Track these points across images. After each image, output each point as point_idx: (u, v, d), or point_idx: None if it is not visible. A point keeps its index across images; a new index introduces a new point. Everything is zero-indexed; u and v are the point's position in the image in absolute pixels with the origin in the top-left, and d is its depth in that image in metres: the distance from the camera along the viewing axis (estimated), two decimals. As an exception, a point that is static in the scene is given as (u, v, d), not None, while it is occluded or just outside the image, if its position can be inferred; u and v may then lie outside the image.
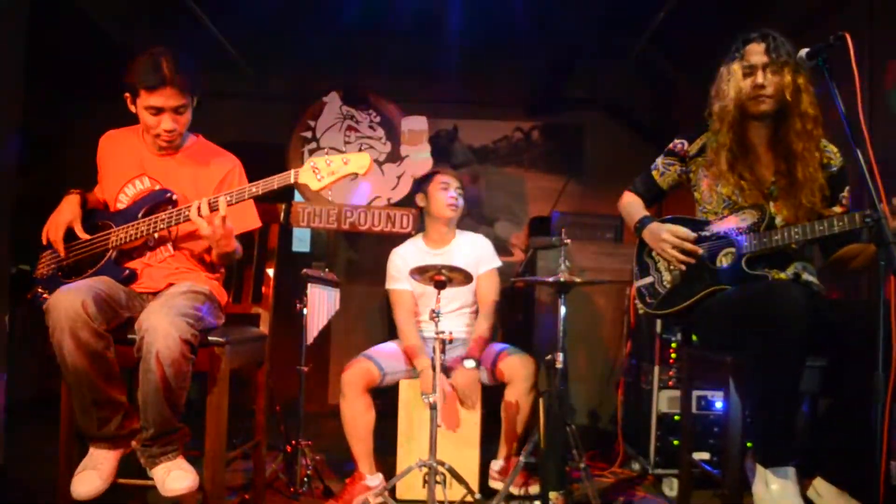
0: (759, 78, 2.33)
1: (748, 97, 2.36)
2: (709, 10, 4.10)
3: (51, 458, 2.40)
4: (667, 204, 2.92)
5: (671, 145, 2.65)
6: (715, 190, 2.47)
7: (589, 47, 4.82)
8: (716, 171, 2.45)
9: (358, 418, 3.02)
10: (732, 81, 2.38)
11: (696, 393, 3.26)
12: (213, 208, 2.32)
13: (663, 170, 2.66)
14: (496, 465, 3.19)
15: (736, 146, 2.41)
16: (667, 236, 2.48)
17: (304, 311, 3.29)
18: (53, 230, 2.45)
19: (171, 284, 2.46)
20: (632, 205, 2.74)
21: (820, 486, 2.17)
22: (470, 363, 3.10)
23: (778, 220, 2.37)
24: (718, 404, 3.30)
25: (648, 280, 2.62)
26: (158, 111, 2.41)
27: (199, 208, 2.32)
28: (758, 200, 2.39)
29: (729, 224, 2.41)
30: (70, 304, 2.12)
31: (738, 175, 2.40)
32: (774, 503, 2.06)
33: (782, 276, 2.36)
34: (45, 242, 2.48)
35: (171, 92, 2.37)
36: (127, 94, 2.43)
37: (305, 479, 3.15)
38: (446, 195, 3.33)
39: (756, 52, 2.35)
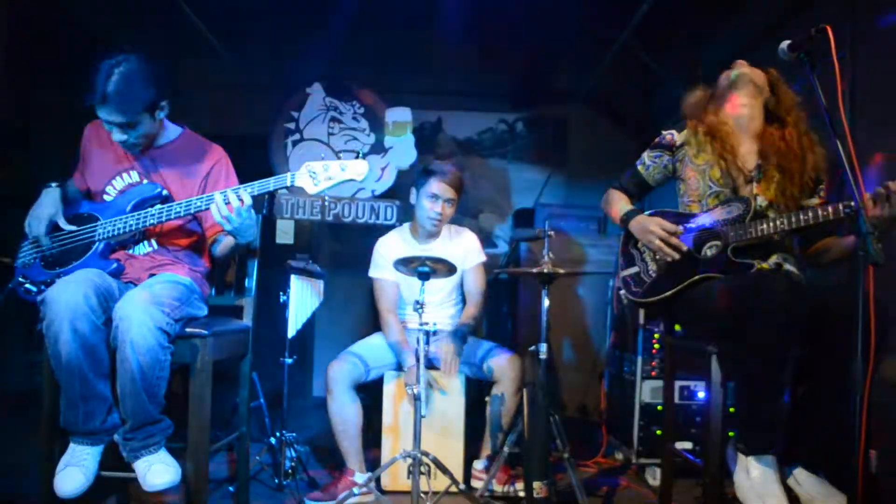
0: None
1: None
2: (691, 4, 4.11)
3: (30, 453, 2.38)
4: (650, 199, 2.92)
5: (659, 138, 2.66)
6: (703, 177, 2.49)
7: (573, 40, 4.83)
8: (704, 157, 2.49)
9: (346, 415, 3.02)
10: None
11: (678, 383, 3.29)
12: (235, 200, 2.30)
13: (650, 163, 2.67)
14: (479, 464, 3.19)
15: (725, 127, 2.49)
16: (654, 228, 2.49)
17: (288, 302, 3.27)
18: (36, 225, 2.42)
19: (152, 276, 2.45)
20: (616, 200, 2.73)
21: (800, 474, 2.20)
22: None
23: (761, 201, 2.40)
24: (700, 394, 3.33)
25: (634, 270, 2.62)
26: (108, 123, 2.37)
27: (224, 199, 2.29)
28: (743, 185, 2.43)
29: (714, 216, 2.43)
30: (72, 296, 2.10)
31: (723, 159, 2.45)
32: (755, 490, 2.09)
33: (764, 265, 2.39)
34: (29, 235, 2.46)
35: (109, 109, 2.32)
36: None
37: (290, 470, 3.15)
38: (432, 207, 3.24)
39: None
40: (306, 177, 2.33)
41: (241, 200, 2.30)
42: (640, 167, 2.70)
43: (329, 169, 2.33)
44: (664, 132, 2.66)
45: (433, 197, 3.24)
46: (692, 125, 2.55)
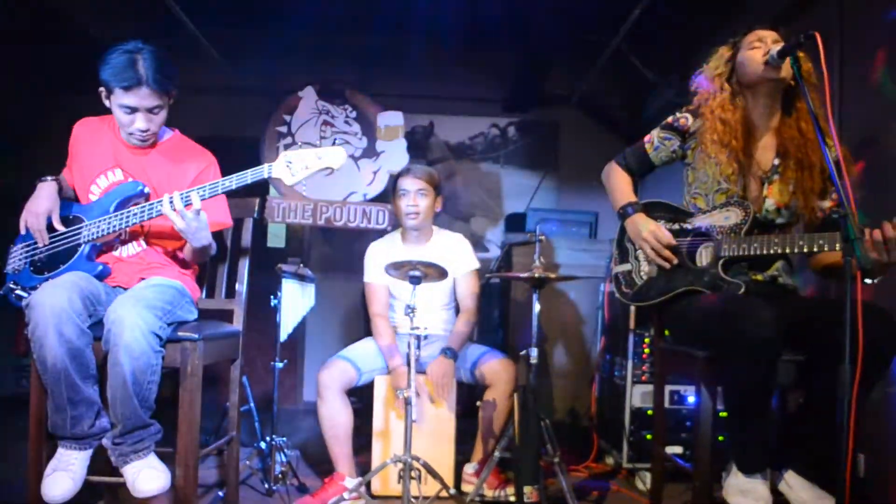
0: (770, 46, 2.28)
1: (763, 63, 2.29)
2: (683, 9, 4.13)
3: (18, 458, 2.36)
4: (651, 178, 2.85)
5: (672, 119, 2.56)
6: (714, 172, 2.42)
7: (565, 45, 4.84)
8: (718, 149, 2.38)
9: (336, 420, 3.00)
10: (746, 53, 2.37)
11: (668, 388, 3.30)
12: (187, 203, 2.29)
13: (658, 144, 2.57)
14: (470, 467, 3.19)
15: (744, 123, 2.38)
16: (647, 236, 2.44)
17: (279, 306, 3.27)
18: (33, 219, 2.39)
19: (142, 279, 2.44)
20: (618, 181, 2.66)
21: (790, 478, 2.20)
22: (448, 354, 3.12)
23: (769, 204, 2.37)
24: (691, 399, 3.34)
25: (626, 267, 2.61)
26: (133, 110, 2.37)
27: (171, 202, 2.29)
28: (754, 184, 2.40)
29: (712, 220, 2.40)
30: (56, 299, 2.09)
31: (741, 154, 2.37)
32: (739, 487, 2.12)
33: (759, 277, 2.38)
34: (23, 231, 2.43)
35: (146, 92, 2.33)
36: (101, 89, 2.39)
37: (280, 475, 3.14)
38: (404, 203, 3.27)
39: (767, 35, 2.35)
40: (283, 167, 2.32)
41: (189, 204, 2.29)
42: (647, 145, 2.60)
43: (305, 158, 2.33)
44: (678, 114, 2.55)
45: (403, 193, 3.29)
46: (710, 121, 2.42)
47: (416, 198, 3.27)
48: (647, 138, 2.62)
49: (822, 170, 2.35)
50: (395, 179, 3.41)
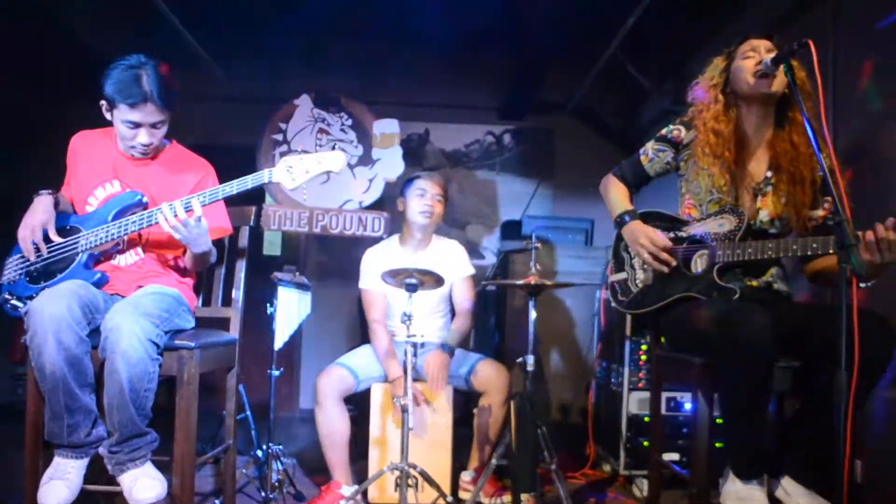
0: (764, 56, 2.29)
1: (754, 75, 2.30)
2: (678, 18, 4.15)
3: (14, 466, 2.35)
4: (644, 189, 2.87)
5: (665, 131, 2.59)
6: (707, 182, 2.43)
7: (560, 52, 4.86)
8: (710, 160, 2.40)
9: (334, 427, 3.00)
10: (739, 63, 2.38)
11: (665, 394, 3.29)
12: (188, 209, 2.30)
13: (652, 156, 2.61)
14: (467, 475, 3.19)
15: (737, 134, 2.39)
16: (644, 242, 2.45)
17: (275, 314, 3.26)
18: (30, 232, 2.39)
19: (140, 287, 2.43)
20: (615, 192, 2.67)
21: (788, 484, 2.21)
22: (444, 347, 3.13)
23: (763, 215, 2.38)
24: (687, 405, 3.34)
25: (622, 276, 2.62)
26: (136, 125, 2.39)
27: (172, 211, 2.28)
28: (747, 195, 2.41)
29: (706, 227, 2.41)
30: (55, 307, 2.09)
31: (733, 166, 2.38)
32: (738, 494, 2.12)
33: (754, 283, 2.39)
34: (21, 244, 2.43)
35: (152, 109, 2.35)
36: (103, 103, 2.39)
37: (276, 483, 3.13)
38: (421, 202, 3.31)
39: (760, 44, 2.36)
40: (284, 172, 2.34)
41: (190, 210, 2.29)
42: (642, 157, 2.63)
43: (306, 162, 2.34)
44: (672, 126, 2.58)
45: (421, 192, 3.31)
46: (702, 133, 2.43)
47: (433, 199, 3.31)
48: (642, 150, 2.65)
49: (812, 182, 2.36)
50: (412, 179, 3.40)
